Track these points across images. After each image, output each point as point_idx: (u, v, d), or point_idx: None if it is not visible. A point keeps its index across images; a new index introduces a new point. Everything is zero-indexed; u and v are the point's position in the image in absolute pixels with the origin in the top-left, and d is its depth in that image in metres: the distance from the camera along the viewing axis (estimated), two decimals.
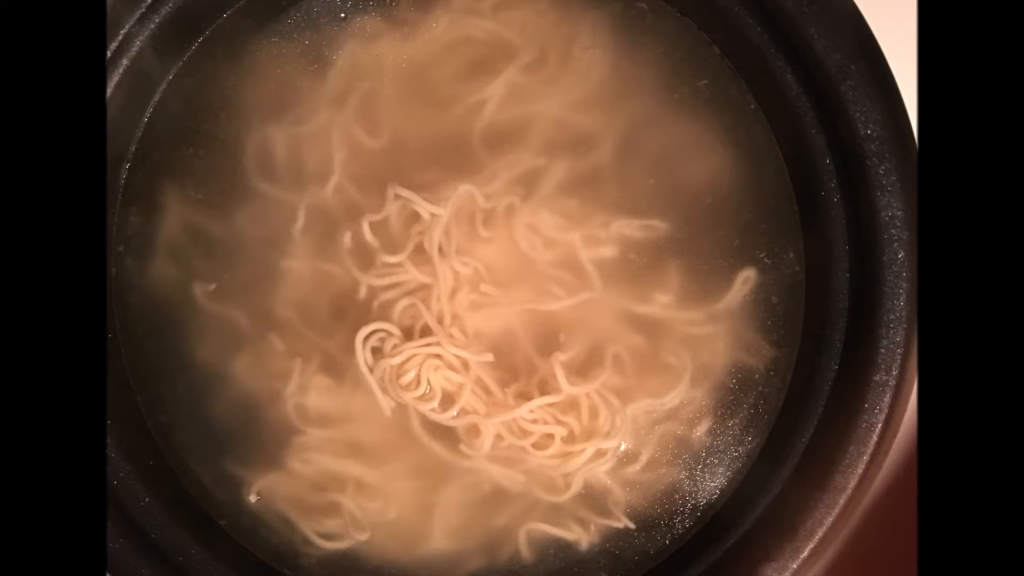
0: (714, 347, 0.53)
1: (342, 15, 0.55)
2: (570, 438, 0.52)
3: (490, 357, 0.52)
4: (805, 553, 0.47)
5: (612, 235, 0.53)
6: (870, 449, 0.47)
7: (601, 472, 0.53)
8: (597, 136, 0.53)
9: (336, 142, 0.54)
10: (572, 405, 0.52)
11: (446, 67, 0.54)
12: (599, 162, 0.53)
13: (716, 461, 0.53)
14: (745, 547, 0.50)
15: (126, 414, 0.53)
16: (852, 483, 0.47)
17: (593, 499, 0.53)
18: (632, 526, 0.53)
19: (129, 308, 0.54)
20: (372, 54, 0.54)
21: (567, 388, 0.51)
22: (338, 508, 0.53)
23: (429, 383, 0.52)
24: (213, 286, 0.54)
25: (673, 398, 0.53)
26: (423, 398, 0.52)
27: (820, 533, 0.47)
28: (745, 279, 0.53)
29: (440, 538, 0.53)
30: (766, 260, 0.53)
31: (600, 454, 0.52)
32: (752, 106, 0.53)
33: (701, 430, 0.53)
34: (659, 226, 0.53)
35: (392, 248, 0.52)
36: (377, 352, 0.52)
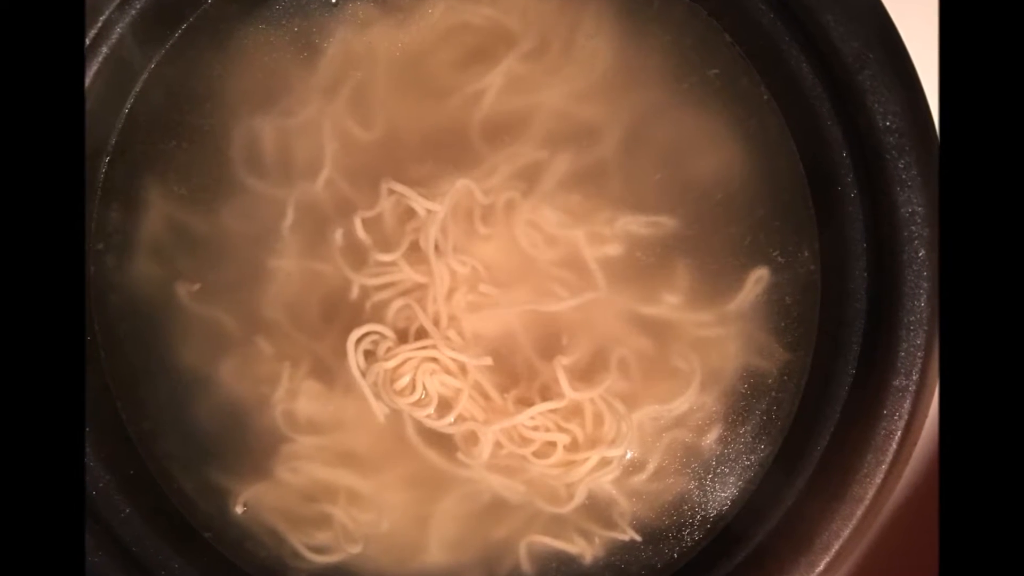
0: (725, 350, 0.53)
1: (333, 0, 0.55)
2: (573, 446, 0.52)
3: (489, 361, 0.52)
4: (821, 567, 0.47)
5: (617, 232, 0.53)
6: (889, 457, 0.47)
7: (606, 482, 0.53)
8: (602, 128, 0.53)
9: (327, 134, 0.54)
10: (575, 411, 0.52)
11: (442, 55, 0.54)
12: (604, 155, 0.53)
13: (727, 470, 0.53)
14: (758, 561, 0.50)
15: (106, 421, 0.53)
16: (870, 493, 0.47)
17: (597, 510, 0.53)
18: (638, 539, 0.53)
19: (109, 309, 0.54)
20: (365, 42, 0.54)
21: (570, 393, 0.51)
22: (329, 520, 0.53)
23: (425, 388, 0.52)
24: (197, 286, 0.54)
25: (681, 404, 0.53)
26: (418, 404, 0.52)
27: (836, 546, 0.47)
28: (757, 279, 0.53)
29: (436, 551, 0.53)
30: (779, 259, 0.53)
31: (605, 463, 0.52)
32: (765, 97, 0.53)
33: (711, 438, 0.53)
34: (667, 223, 0.53)
35: (386, 246, 0.52)
36: (370, 355, 0.52)
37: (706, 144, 0.53)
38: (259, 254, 0.54)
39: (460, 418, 0.52)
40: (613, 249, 0.53)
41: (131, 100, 0.55)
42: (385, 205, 0.52)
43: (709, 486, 0.53)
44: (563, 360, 0.52)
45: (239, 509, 0.54)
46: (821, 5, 0.48)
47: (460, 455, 0.53)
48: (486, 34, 0.54)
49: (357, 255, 0.53)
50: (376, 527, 0.53)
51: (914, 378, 0.47)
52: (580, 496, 0.52)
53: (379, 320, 0.52)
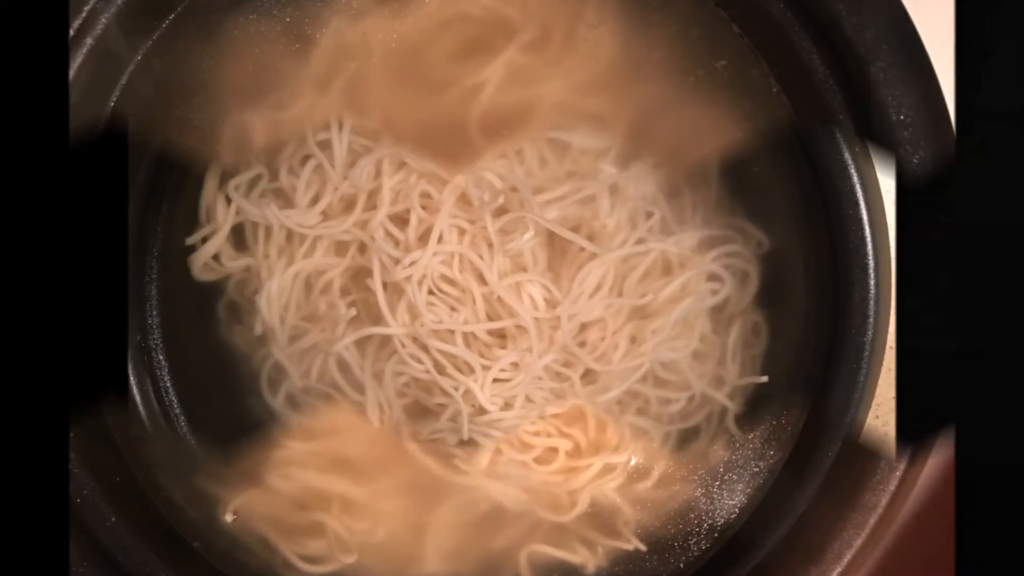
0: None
1: None
2: (575, 452, 0.52)
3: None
4: None
5: None
6: (903, 463, 0.47)
7: (609, 489, 0.53)
8: (605, 122, 0.53)
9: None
10: (578, 416, 0.52)
11: (440, 46, 0.54)
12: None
13: (735, 477, 0.53)
14: (766, 571, 0.50)
15: (91, 426, 0.53)
16: (883, 501, 0.47)
17: (601, 518, 0.53)
18: (643, 548, 0.53)
19: None
20: (359, 32, 0.54)
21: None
22: (322, 528, 0.53)
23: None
24: None
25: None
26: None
27: (848, 556, 0.47)
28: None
29: (433, 561, 0.53)
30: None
31: (608, 469, 0.52)
32: (774, 89, 0.53)
33: (718, 443, 0.53)
34: None
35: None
36: None
37: (713, 139, 0.53)
38: None
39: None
40: None
41: (117, 93, 0.54)
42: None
43: (716, 493, 0.53)
44: None
45: (229, 517, 0.54)
46: None
47: (458, 462, 0.53)
48: (485, 24, 0.54)
49: None
50: (371, 536, 0.53)
51: None
52: (583, 504, 0.52)
53: None
